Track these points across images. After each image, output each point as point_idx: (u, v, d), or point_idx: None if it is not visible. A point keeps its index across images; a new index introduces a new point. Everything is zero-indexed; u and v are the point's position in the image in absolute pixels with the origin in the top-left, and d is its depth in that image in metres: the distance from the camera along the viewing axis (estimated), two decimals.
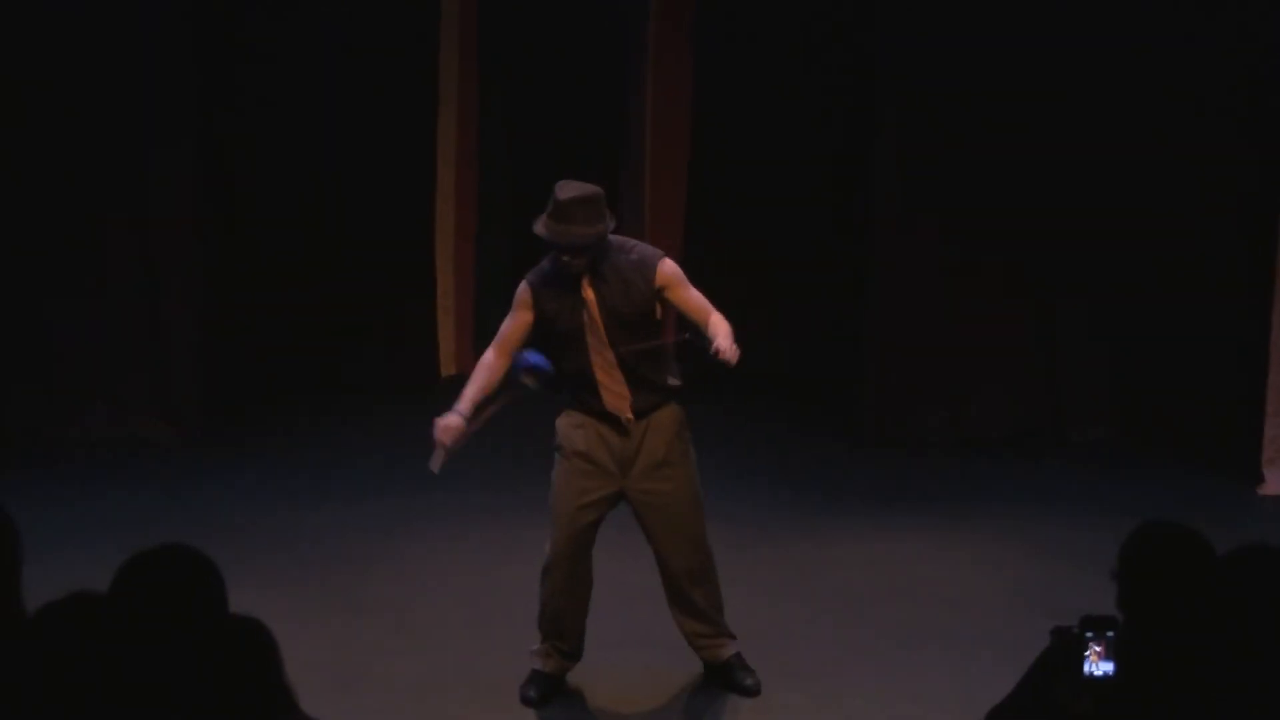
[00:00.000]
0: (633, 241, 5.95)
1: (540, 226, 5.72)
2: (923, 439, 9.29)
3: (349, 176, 10.35)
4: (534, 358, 5.76)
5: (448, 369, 10.70)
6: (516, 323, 5.86)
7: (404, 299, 10.61)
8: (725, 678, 6.13)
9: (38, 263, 9.22)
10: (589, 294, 5.74)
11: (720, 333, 5.67)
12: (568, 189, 5.68)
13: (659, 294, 5.78)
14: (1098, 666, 3.52)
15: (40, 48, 9.02)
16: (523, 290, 5.85)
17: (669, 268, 5.80)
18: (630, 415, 5.82)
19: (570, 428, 5.89)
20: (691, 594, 6.02)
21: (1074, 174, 9.18)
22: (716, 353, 5.62)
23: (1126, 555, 3.63)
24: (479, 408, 5.90)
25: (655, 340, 5.81)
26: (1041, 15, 9.04)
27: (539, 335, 5.86)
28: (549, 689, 6.04)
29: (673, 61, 10.53)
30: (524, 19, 10.60)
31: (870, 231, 9.40)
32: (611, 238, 5.78)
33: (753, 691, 6.07)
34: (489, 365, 5.91)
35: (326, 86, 10.24)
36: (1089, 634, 3.52)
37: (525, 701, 5.98)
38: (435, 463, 5.93)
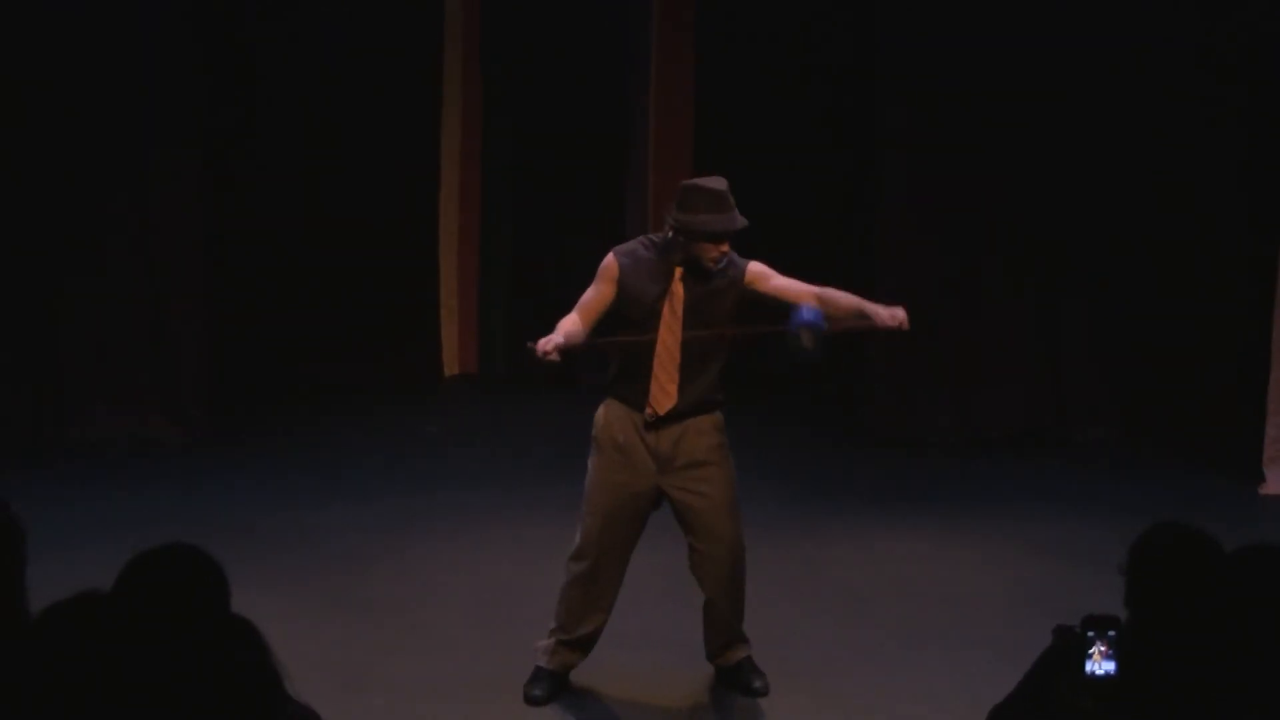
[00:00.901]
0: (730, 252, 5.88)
1: (691, 222, 5.63)
2: (925, 439, 9.30)
3: (353, 179, 10.39)
4: (809, 314, 5.59)
5: (451, 369, 10.73)
6: (600, 294, 5.77)
7: (408, 300, 10.63)
8: (735, 680, 6.11)
9: (42, 263, 9.24)
10: (678, 287, 5.71)
11: (854, 306, 5.74)
12: (712, 181, 5.70)
13: (747, 291, 5.75)
14: (1100, 666, 3.51)
15: (43, 49, 9.05)
16: (609, 263, 5.78)
17: (757, 264, 5.79)
18: (661, 412, 5.75)
19: (610, 420, 5.83)
20: (721, 596, 5.98)
21: (1075, 176, 9.21)
22: (887, 322, 5.69)
23: (1137, 553, 3.62)
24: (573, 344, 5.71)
25: (723, 343, 5.77)
26: (1042, 17, 9.07)
27: (612, 312, 5.77)
28: (554, 687, 5.99)
29: (675, 63, 10.55)
30: (526, 21, 10.63)
31: (873, 234, 9.42)
32: None
33: (761, 693, 6.04)
34: (575, 328, 5.73)
35: (331, 88, 10.29)
36: (1091, 633, 3.52)
37: (530, 700, 5.93)
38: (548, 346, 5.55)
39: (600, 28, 10.65)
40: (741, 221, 5.68)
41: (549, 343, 5.56)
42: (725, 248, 5.68)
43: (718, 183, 5.69)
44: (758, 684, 6.05)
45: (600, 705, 6.06)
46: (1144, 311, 9.27)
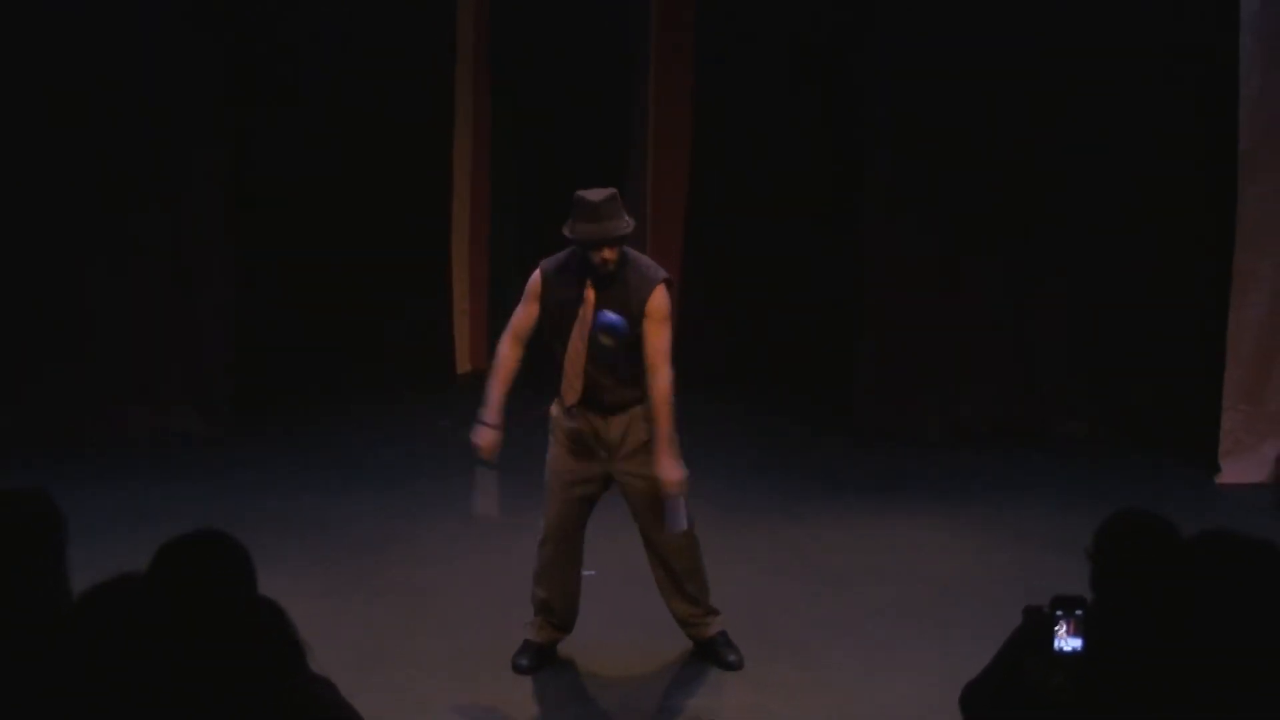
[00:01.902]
0: (645, 259, 5.93)
1: (573, 230, 5.70)
2: (913, 434, 9.28)
3: (372, 186, 10.34)
4: (610, 317, 5.65)
5: (463, 365, 10.73)
6: (527, 311, 5.86)
7: (422, 302, 10.62)
8: (710, 654, 6.14)
9: (76, 264, 9.20)
10: (590, 295, 5.76)
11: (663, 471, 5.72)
12: (594, 193, 5.69)
13: (641, 318, 5.74)
14: (1067, 642, 3.53)
15: (80, 56, 8.99)
16: (534, 279, 5.87)
17: (662, 298, 5.76)
18: (569, 402, 5.81)
19: (560, 413, 5.91)
20: (677, 575, 6.02)
21: (1050, 187, 9.17)
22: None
23: (1101, 538, 3.64)
24: (504, 412, 5.88)
25: (625, 352, 5.76)
26: (1025, 30, 8.98)
27: (540, 323, 5.86)
28: (540, 658, 6.08)
29: (673, 76, 10.54)
30: (534, 35, 10.56)
31: (864, 240, 9.38)
32: (626, 249, 5.79)
33: (735, 666, 6.08)
34: (506, 358, 5.88)
35: (349, 96, 10.21)
36: (1059, 612, 3.54)
37: (517, 669, 6.03)
38: (483, 507, 5.96)
39: (604, 43, 10.60)
40: (615, 230, 5.66)
41: (488, 451, 5.85)
42: (607, 253, 5.68)
43: (599, 194, 5.69)
44: (731, 658, 6.09)
45: (586, 676, 6.10)
46: (1114, 313, 9.26)
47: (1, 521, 3.62)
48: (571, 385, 5.81)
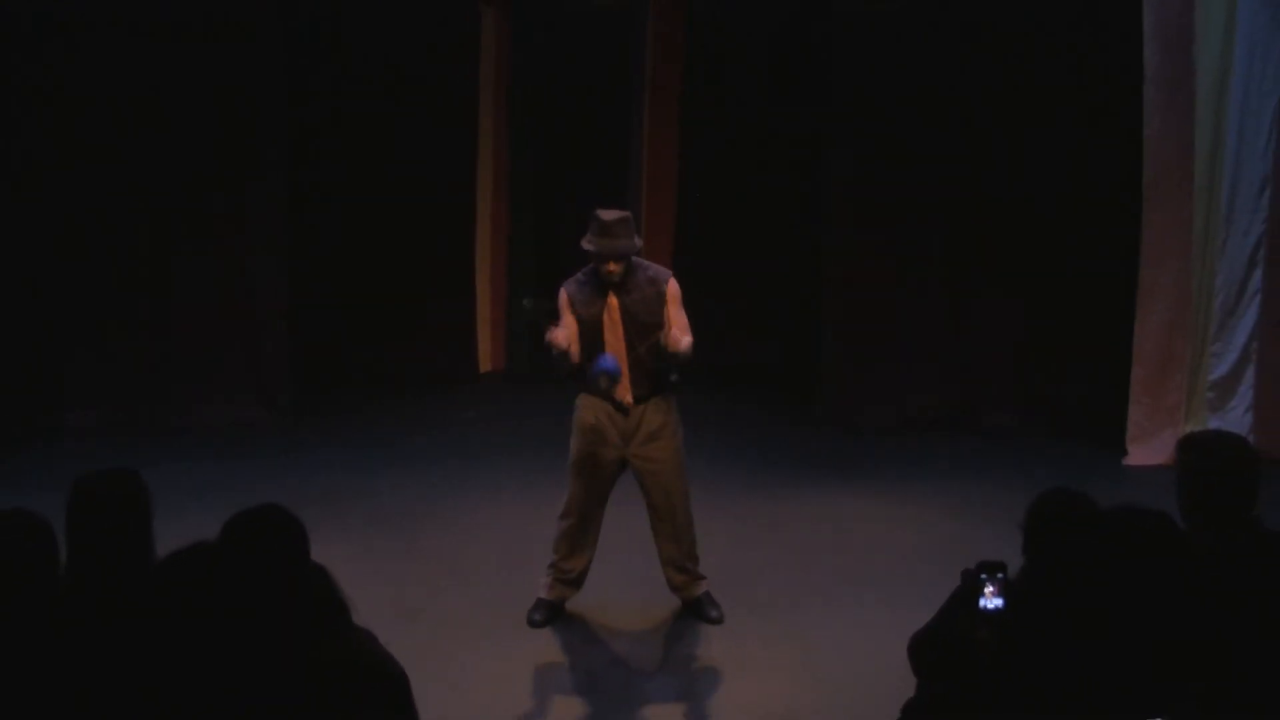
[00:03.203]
0: (649, 263, 5.92)
1: (588, 243, 5.70)
2: (868, 423, 9.26)
3: (406, 208, 10.30)
4: (607, 363, 5.64)
5: (485, 366, 10.71)
6: (567, 322, 5.81)
7: (450, 309, 10.60)
8: (696, 611, 6.14)
9: (157, 275, 9.15)
10: (613, 300, 5.75)
11: (675, 337, 5.63)
12: (608, 213, 5.69)
13: (664, 305, 5.76)
14: (990, 601, 3.54)
15: (151, 65, 8.87)
16: (562, 297, 5.85)
17: (675, 286, 5.80)
18: (630, 399, 5.83)
19: (584, 408, 5.90)
20: (675, 543, 6.03)
21: (986, 213, 9.15)
22: (666, 347, 5.60)
23: (1032, 512, 3.65)
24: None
25: (661, 345, 5.74)
26: (966, 75, 8.95)
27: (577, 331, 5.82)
28: (551, 614, 6.08)
29: (664, 98, 10.48)
30: (549, 57, 10.40)
31: (824, 255, 9.36)
32: (632, 260, 5.77)
33: (717, 621, 6.08)
34: (567, 337, 5.74)
35: (386, 132, 10.18)
36: (984, 575, 3.55)
37: (530, 623, 6.03)
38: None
39: (607, 79, 10.49)
40: (624, 248, 5.65)
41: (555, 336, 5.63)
42: (613, 267, 5.66)
43: (612, 214, 5.68)
44: (714, 614, 6.10)
45: (591, 629, 6.09)
46: (1039, 320, 9.25)
47: (101, 496, 3.64)
48: (624, 387, 5.78)
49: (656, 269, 5.86)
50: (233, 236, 9.21)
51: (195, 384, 9.27)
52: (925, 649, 3.80)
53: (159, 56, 8.92)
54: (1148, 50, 8.24)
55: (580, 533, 6.00)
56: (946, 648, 3.68)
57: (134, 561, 3.54)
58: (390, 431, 9.26)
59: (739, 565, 6.79)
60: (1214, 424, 8.35)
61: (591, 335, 5.76)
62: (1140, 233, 8.43)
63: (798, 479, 8.27)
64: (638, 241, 5.73)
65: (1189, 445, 3.97)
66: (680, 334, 5.65)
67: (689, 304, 5.86)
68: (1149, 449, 8.48)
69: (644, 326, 5.75)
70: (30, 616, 3.29)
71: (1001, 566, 3.55)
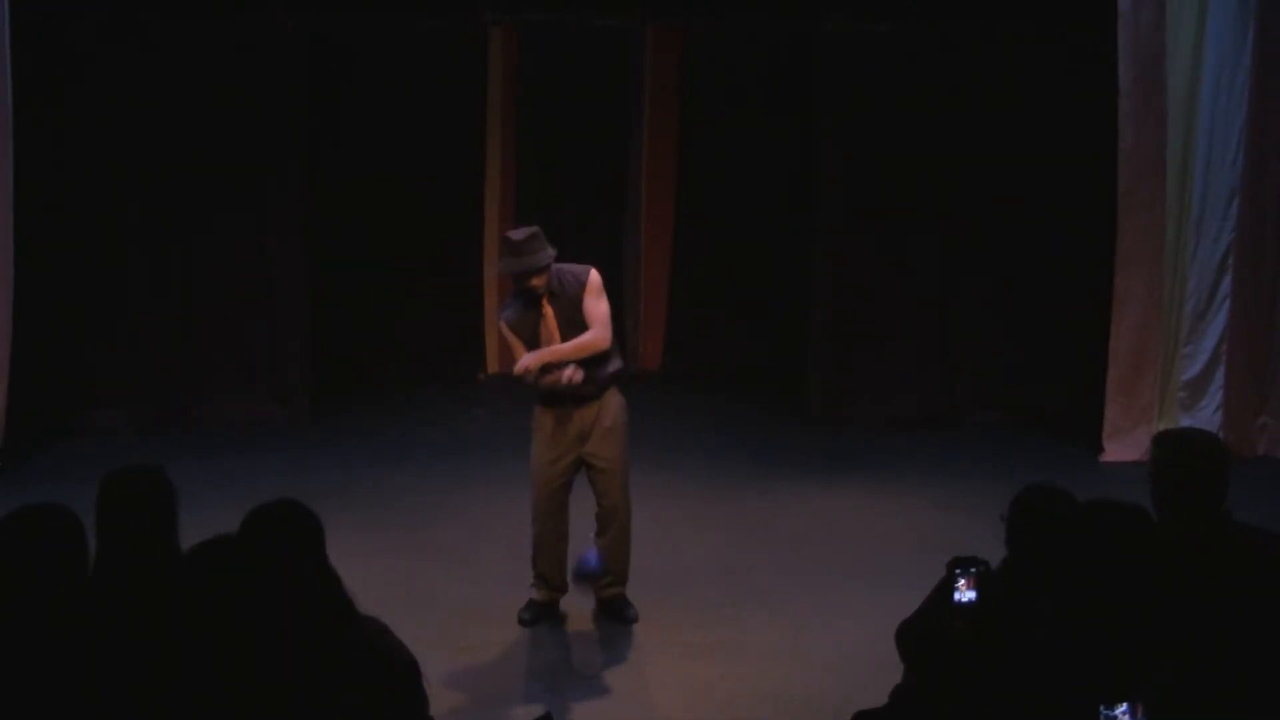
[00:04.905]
0: (570, 264, 5.85)
1: (502, 267, 5.71)
2: (856, 420, 9.25)
3: (418, 218, 10.29)
4: (590, 563, 5.61)
5: (491, 368, 10.71)
6: (516, 343, 5.82)
7: (459, 315, 10.60)
8: (611, 610, 6.03)
9: (179, 281, 9.13)
10: (547, 309, 5.75)
11: (546, 355, 5.65)
12: (517, 233, 5.70)
13: (582, 298, 5.73)
14: (964, 595, 3.55)
15: (182, 82, 8.90)
16: (502, 327, 5.88)
17: (594, 277, 5.77)
18: (579, 378, 5.72)
19: (541, 414, 5.90)
20: (610, 543, 5.90)
21: (971, 225, 9.15)
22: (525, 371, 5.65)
23: (1015, 506, 3.66)
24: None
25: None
26: (954, 85, 8.95)
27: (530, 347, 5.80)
28: (540, 613, 6.04)
29: (663, 122, 10.47)
30: (555, 75, 10.36)
31: (816, 264, 9.35)
32: (556, 265, 5.75)
33: (633, 620, 5.98)
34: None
35: (400, 154, 10.19)
36: (958, 570, 3.56)
37: (520, 622, 6.00)
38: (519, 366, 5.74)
39: (608, 92, 10.45)
40: (536, 263, 5.62)
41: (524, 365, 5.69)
42: (536, 281, 5.65)
43: (521, 233, 5.68)
44: (630, 613, 6.02)
45: (589, 619, 6.07)
46: (1019, 323, 9.25)
47: (127, 490, 3.64)
48: (575, 371, 5.70)
49: (577, 268, 5.80)
50: (253, 241, 9.21)
51: (216, 382, 9.26)
52: (909, 636, 3.81)
53: (186, 67, 8.93)
54: (1122, 67, 8.24)
55: (547, 539, 5.95)
56: (928, 637, 3.69)
57: (160, 553, 3.54)
58: (402, 428, 9.25)
59: (732, 556, 6.79)
60: (1186, 422, 8.34)
61: (536, 347, 5.75)
62: (1115, 240, 8.43)
63: (789, 474, 8.26)
64: (551, 250, 5.69)
65: (1162, 442, 3.98)
66: (570, 349, 5.64)
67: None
68: (1124, 446, 8.48)
69: (579, 325, 5.74)
70: (63, 606, 3.29)
71: (975, 561, 3.56)
